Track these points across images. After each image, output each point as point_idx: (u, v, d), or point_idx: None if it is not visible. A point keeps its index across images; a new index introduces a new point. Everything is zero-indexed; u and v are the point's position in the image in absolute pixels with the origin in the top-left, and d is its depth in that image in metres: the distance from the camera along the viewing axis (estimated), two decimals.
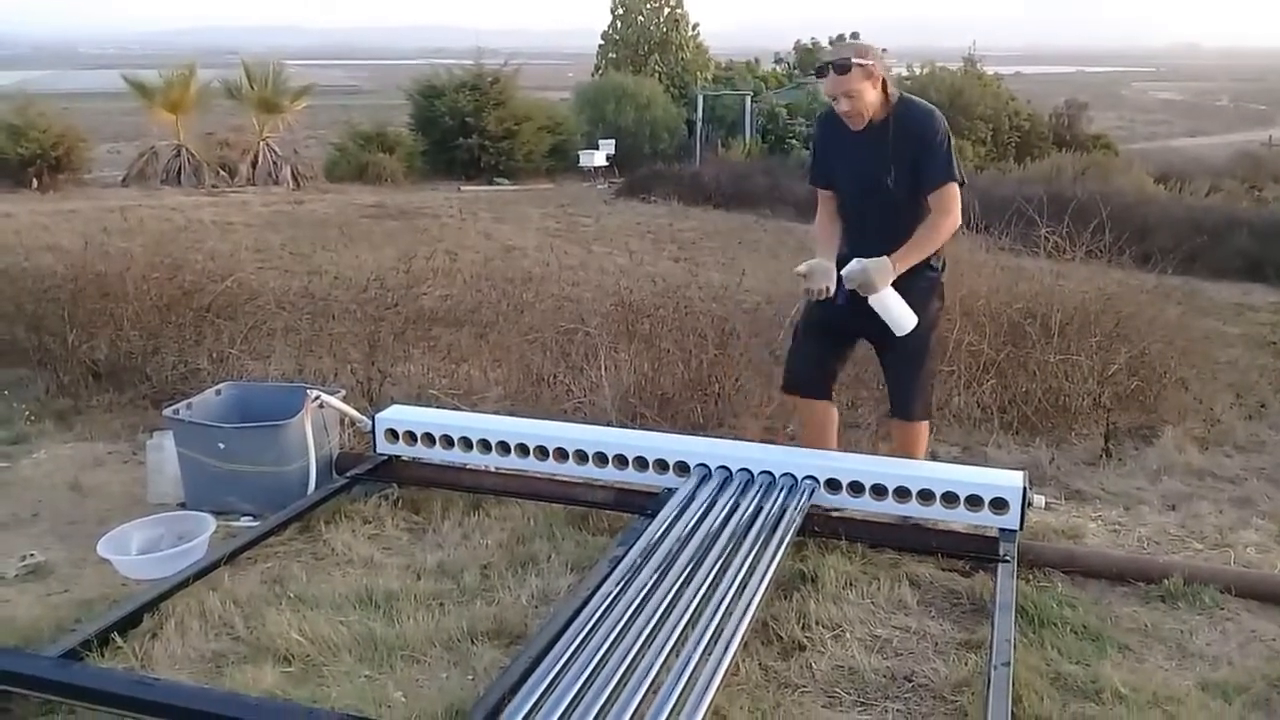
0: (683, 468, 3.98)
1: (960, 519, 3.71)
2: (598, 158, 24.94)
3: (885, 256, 3.59)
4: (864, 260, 3.60)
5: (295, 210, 18.41)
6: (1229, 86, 74.28)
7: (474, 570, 3.66)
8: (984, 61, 29.75)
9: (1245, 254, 14.99)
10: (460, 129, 24.39)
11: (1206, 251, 14.19)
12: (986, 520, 3.64)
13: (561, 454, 4.16)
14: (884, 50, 3.72)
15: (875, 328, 3.72)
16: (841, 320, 3.81)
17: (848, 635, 3.24)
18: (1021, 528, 3.65)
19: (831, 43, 36.95)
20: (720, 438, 4.72)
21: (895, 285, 3.62)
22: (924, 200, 3.64)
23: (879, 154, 3.65)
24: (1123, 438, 5.60)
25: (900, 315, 3.67)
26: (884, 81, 3.63)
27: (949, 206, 3.61)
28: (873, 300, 3.63)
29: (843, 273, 3.68)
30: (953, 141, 3.65)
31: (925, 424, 3.83)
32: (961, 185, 3.65)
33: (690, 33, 33.48)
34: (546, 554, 3.78)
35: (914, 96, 3.74)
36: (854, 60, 3.55)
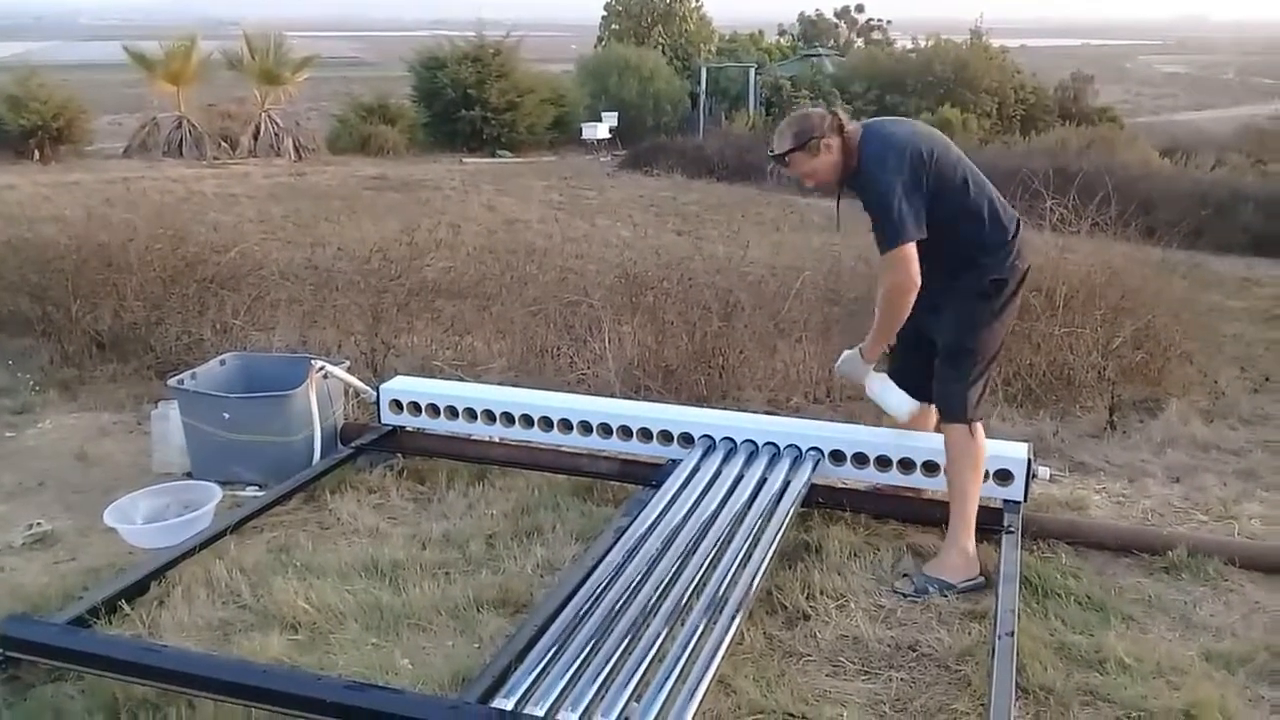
0: (687, 439, 3.98)
1: None
2: (600, 130, 24.79)
3: (854, 349, 3.60)
4: (846, 353, 3.66)
5: (297, 182, 18.35)
6: (1236, 60, 73.57)
7: (479, 540, 3.68)
8: (990, 34, 29.54)
9: (1250, 228, 14.90)
10: (462, 101, 24.25)
11: (1211, 226, 14.10)
12: (991, 492, 3.64)
13: (566, 425, 4.17)
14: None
15: (929, 324, 3.49)
16: (911, 323, 3.50)
17: (852, 605, 3.26)
18: (1026, 499, 3.67)
19: (837, 15, 36.86)
20: (724, 409, 4.72)
21: (941, 296, 3.39)
22: (942, 220, 3.31)
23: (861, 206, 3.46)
24: (1127, 410, 5.59)
25: (891, 404, 3.64)
26: (840, 130, 3.35)
27: (888, 269, 3.30)
28: (867, 392, 3.67)
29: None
30: (900, 188, 3.23)
31: (963, 428, 3.43)
32: (909, 240, 3.24)
33: (693, 4, 33.24)
34: (551, 524, 3.80)
35: (874, 134, 3.38)
36: (789, 152, 3.37)
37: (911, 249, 3.25)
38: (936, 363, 3.52)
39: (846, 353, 3.66)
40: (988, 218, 3.40)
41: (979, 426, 3.48)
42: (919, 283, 3.29)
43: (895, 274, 3.29)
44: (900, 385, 3.72)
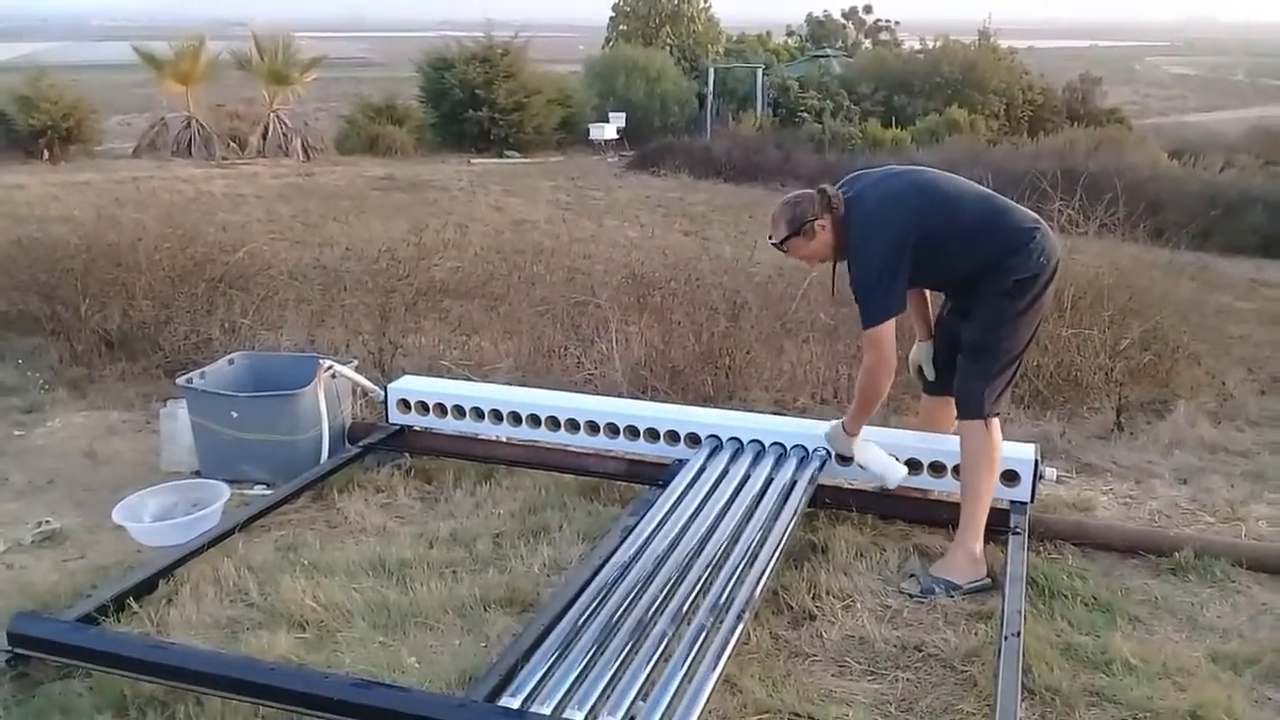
0: (694, 439, 3.99)
1: None
2: (608, 131, 24.83)
3: (838, 422, 3.69)
4: (832, 423, 3.75)
5: (305, 182, 18.39)
6: (1245, 61, 73.30)
7: (486, 539, 3.69)
8: (998, 35, 29.50)
9: (1259, 230, 14.90)
10: (470, 101, 24.28)
11: (1220, 227, 14.10)
12: (998, 492, 3.63)
13: (573, 425, 4.18)
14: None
15: (961, 329, 3.54)
16: (948, 330, 3.67)
17: (858, 605, 3.26)
18: (1033, 500, 3.67)
19: (845, 16, 36.80)
20: (731, 409, 4.72)
21: (968, 302, 3.48)
22: (953, 253, 3.41)
23: None
24: (1134, 412, 5.58)
25: (881, 471, 3.67)
26: (830, 207, 3.41)
27: (867, 348, 3.39)
28: (856, 460, 3.69)
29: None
30: (878, 268, 3.33)
31: (978, 424, 3.42)
32: (884, 320, 3.32)
33: (701, 5, 33.26)
34: (558, 524, 3.80)
35: (858, 204, 3.42)
36: (787, 239, 3.46)
37: (888, 328, 3.34)
38: (959, 358, 3.54)
39: (832, 424, 3.74)
40: (999, 229, 3.41)
41: (995, 423, 3.47)
42: (894, 364, 3.40)
43: (871, 353, 3.38)
44: (943, 390, 3.74)
